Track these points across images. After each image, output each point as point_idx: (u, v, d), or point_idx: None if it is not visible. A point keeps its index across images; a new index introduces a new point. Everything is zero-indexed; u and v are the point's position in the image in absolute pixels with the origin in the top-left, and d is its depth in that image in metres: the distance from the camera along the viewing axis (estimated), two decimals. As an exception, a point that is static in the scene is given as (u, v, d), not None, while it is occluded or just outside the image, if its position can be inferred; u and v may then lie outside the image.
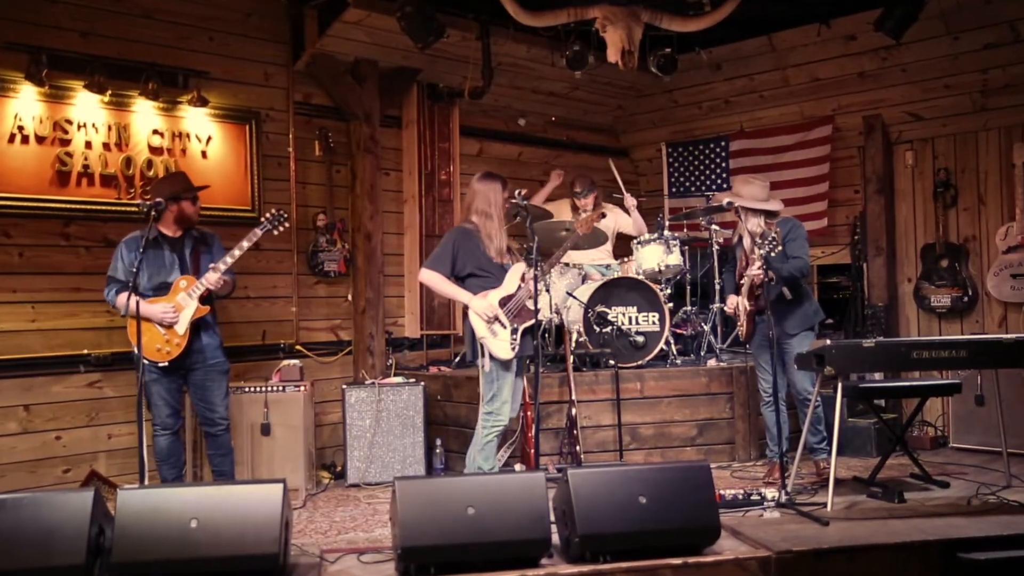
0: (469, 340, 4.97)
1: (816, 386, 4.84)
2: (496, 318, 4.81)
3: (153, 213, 4.54)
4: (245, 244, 4.80)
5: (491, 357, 4.81)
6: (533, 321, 4.83)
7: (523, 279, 4.94)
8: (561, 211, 6.80)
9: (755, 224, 5.04)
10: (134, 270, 4.41)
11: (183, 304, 4.71)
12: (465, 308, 4.92)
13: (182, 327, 4.70)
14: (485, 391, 4.90)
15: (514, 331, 4.83)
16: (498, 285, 4.91)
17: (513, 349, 4.81)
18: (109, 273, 4.77)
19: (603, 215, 6.38)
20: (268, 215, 4.92)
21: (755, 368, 5.52)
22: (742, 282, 5.18)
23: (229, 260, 4.78)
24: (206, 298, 4.77)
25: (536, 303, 4.75)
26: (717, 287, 6.47)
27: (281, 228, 4.94)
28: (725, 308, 5.51)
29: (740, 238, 5.30)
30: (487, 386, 4.89)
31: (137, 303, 4.34)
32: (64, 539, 3.35)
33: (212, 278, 4.73)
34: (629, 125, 8.47)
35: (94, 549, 3.40)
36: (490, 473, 4.74)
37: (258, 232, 4.84)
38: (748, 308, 5.17)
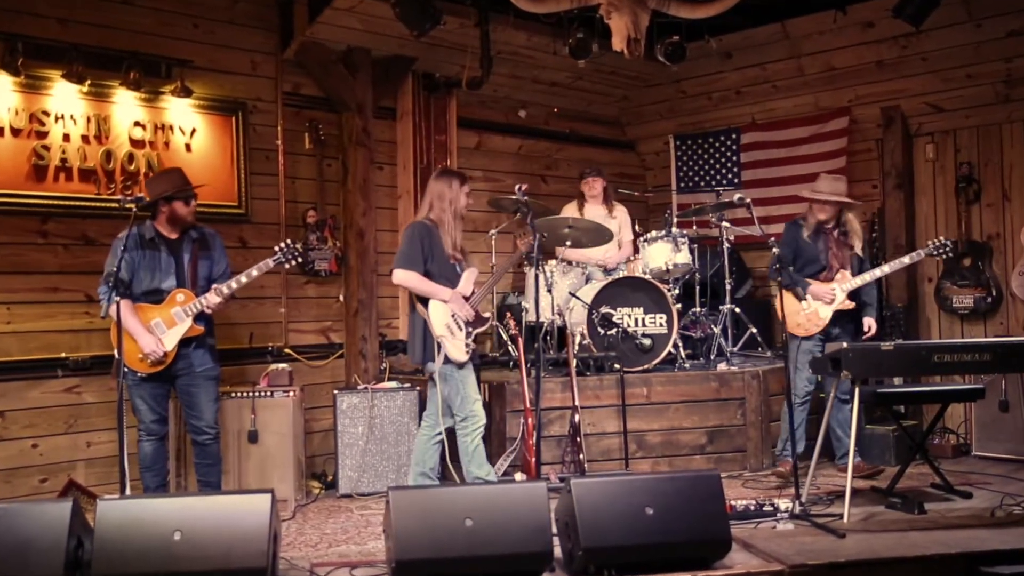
0: (420, 339, 4.92)
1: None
2: (467, 320, 4.87)
3: (134, 210, 4.33)
4: (254, 272, 4.72)
5: (446, 359, 4.79)
6: (484, 328, 4.98)
7: (476, 285, 4.99)
8: (568, 214, 6.71)
9: (854, 219, 5.57)
10: (115, 270, 4.26)
11: (176, 320, 4.62)
12: (416, 305, 4.88)
13: (171, 343, 4.61)
14: (451, 398, 4.86)
15: (468, 334, 4.89)
16: (452, 287, 4.91)
17: (467, 352, 4.87)
18: (107, 269, 4.57)
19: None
20: (282, 245, 4.82)
21: (796, 368, 5.51)
22: (842, 281, 5.44)
23: (234, 285, 4.69)
24: (200, 315, 4.67)
25: (532, 309, 4.71)
26: (728, 287, 6.47)
27: (294, 262, 4.87)
28: (822, 297, 5.51)
29: (822, 234, 5.54)
30: (452, 393, 4.86)
31: (118, 310, 4.19)
32: (41, 552, 3.33)
33: (213, 301, 4.64)
34: (635, 117, 8.44)
35: (72, 563, 3.37)
36: (489, 483, 4.68)
37: (269, 263, 4.76)
38: (848, 306, 5.48)
